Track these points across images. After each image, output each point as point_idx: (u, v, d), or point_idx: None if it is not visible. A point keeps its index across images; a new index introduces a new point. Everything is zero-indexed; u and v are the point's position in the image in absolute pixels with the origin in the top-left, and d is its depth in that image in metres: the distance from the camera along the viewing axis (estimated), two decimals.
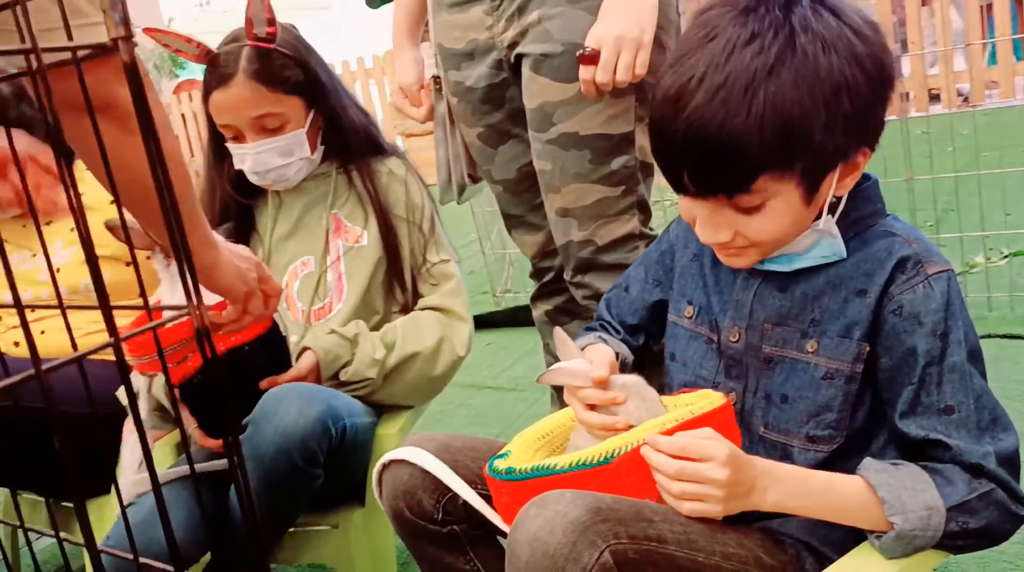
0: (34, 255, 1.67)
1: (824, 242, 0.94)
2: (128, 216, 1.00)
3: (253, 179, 1.50)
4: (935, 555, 0.90)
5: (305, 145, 1.48)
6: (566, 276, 1.56)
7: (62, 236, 1.67)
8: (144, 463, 1.35)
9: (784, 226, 0.92)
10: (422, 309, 1.53)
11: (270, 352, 1.37)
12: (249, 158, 1.46)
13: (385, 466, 1.07)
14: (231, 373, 1.32)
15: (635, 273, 1.21)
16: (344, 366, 1.42)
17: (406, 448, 1.06)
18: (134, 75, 0.41)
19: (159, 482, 0.49)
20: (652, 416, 0.97)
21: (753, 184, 0.87)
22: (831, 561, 0.95)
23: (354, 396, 1.42)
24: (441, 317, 1.51)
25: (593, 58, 1.29)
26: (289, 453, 1.20)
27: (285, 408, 1.22)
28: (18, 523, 0.60)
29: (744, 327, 1.00)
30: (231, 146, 1.48)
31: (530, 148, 1.49)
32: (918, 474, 0.89)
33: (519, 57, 1.44)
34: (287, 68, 1.44)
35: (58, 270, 1.64)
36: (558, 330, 1.07)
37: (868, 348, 0.92)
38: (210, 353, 0.49)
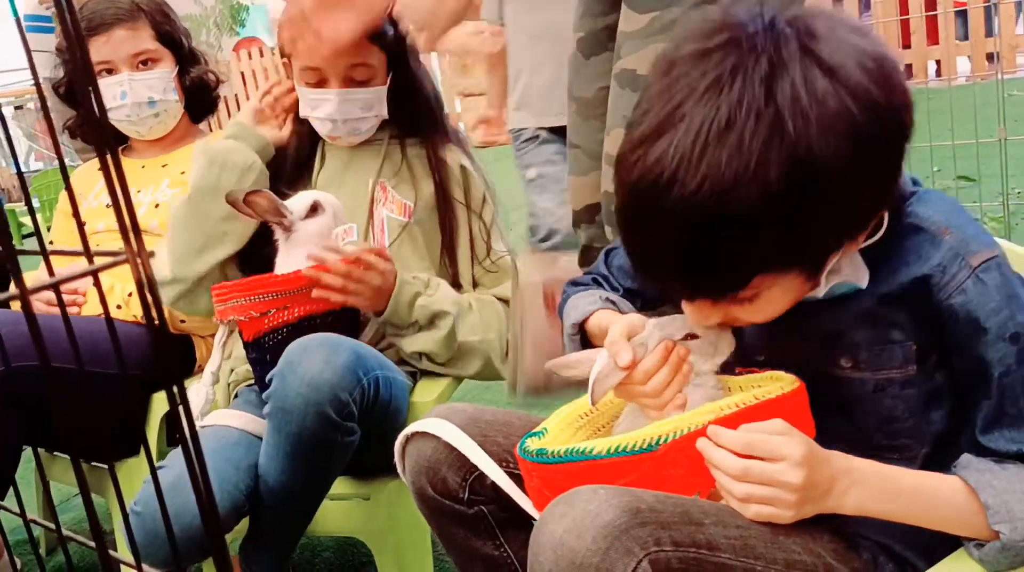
0: (138, 191, 1.71)
1: (836, 286, 0.80)
2: None
3: (324, 127, 1.46)
4: None
5: (384, 103, 1.46)
6: (606, 231, 1.44)
7: (170, 177, 1.71)
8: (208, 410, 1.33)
9: (782, 307, 0.79)
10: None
11: (346, 327, 1.33)
12: (331, 104, 1.42)
13: (408, 439, 0.98)
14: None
15: None
16: (418, 294, 1.35)
17: (431, 420, 0.96)
18: None
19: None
20: (718, 353, 0.86)
21: (743, 290, 0.75)
22: (915, 568, 0.83)
23: (430, 341, 1.35)
24: (506, 310, 1.47)
25: None
26: (319, 405, 1.12)
27: (310, 357, 1.14)
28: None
29: (765, 346, 0.88)
30: (307, 90, 1.43)
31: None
32: None
33: None
34: (383, 22, 1.41)
35: (157, 206, 1.68)
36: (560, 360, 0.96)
37: (916, 346, 0.79)
38: (154, 308, 0.40)
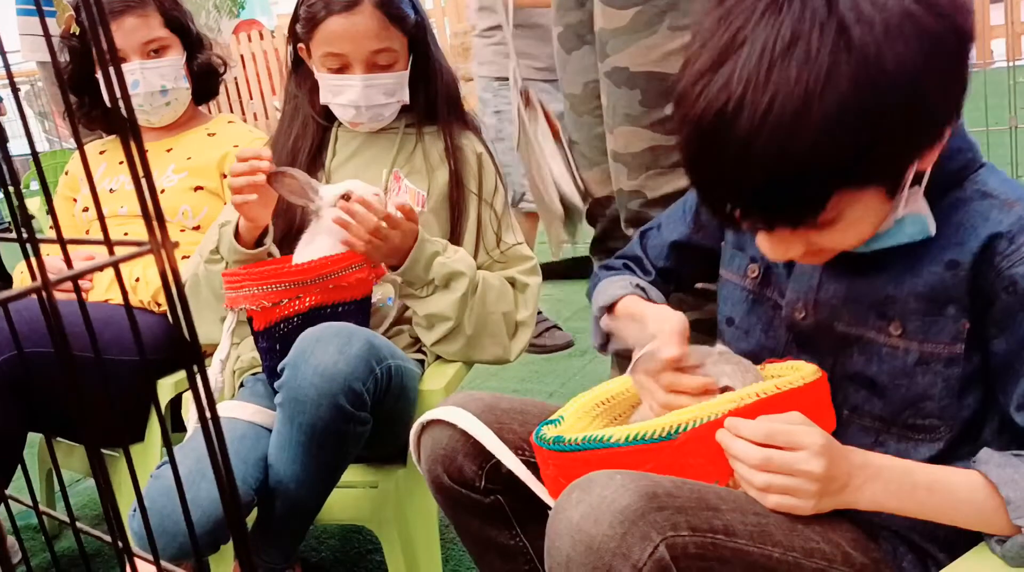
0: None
1: (909, 219, 0.78)
2: None
3: (346, 114, 1.44)
4: None
5: (405, 88, 1.44)
6: (622, 225, 1.43)
7: (176, 162, 1.70)
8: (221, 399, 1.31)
9: (866, 231, 0.77)
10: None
11: (358, 316, 1.31)
12: (355, 90, 1.40)
13: (424, 427, 0.97)
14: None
15: (674, 210, 1.07)
16: (437, 253, 1.34)
17: (447, 407, 0.95)
18: None
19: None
20: (751, 381, 0.84)
21: (823, 211, 0.73)
22: (935, 560, 0.82)
23: (444, 303, 1.33)
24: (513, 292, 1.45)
25: None
26: (333, 396, 1.11)
27: (323, 347, 1.13)
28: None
29: (812, 302, 0.86)
30: (329, 76, 1.41)
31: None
32: None
33: None
34: (405, 6, 1.40)
35: (163, 192, 1.67)
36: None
37: (968, 325, 0.77)
38: (175, 287, 0.39)
